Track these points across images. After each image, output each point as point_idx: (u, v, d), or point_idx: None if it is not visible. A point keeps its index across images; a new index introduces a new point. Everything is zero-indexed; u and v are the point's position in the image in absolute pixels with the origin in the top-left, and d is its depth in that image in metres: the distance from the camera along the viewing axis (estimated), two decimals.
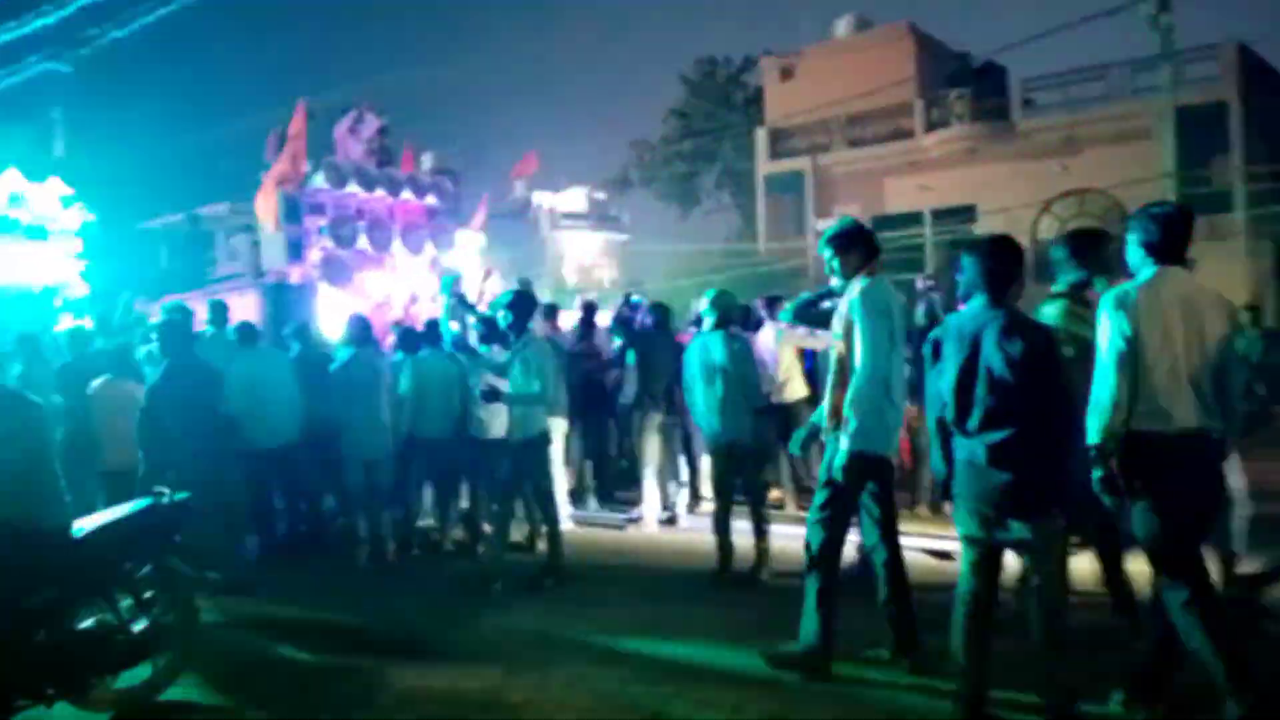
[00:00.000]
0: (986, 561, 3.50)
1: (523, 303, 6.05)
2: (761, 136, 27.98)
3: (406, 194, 11.18)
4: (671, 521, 7.60)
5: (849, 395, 4.02)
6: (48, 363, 7.00)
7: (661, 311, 7.99)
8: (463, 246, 13.56)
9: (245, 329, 6.91)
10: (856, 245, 4.18)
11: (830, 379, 4.23)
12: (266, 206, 10.24)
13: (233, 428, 6.09)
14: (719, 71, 34.04)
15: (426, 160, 41.54)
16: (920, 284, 7.20)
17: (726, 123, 32.36)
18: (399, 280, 11.00)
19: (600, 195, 36.99)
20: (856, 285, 4.13)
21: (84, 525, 3.94)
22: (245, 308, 8.67)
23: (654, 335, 7.79)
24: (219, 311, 7.37)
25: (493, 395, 5.85)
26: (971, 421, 3.42)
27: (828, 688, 4.04)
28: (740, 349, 5.96)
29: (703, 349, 5.96)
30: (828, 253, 4.22)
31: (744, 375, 5.88)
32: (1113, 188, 21.64)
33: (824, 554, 4.17)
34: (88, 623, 3.92)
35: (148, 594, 4.10)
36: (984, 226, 23.09)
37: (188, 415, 5.57)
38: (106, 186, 11.33)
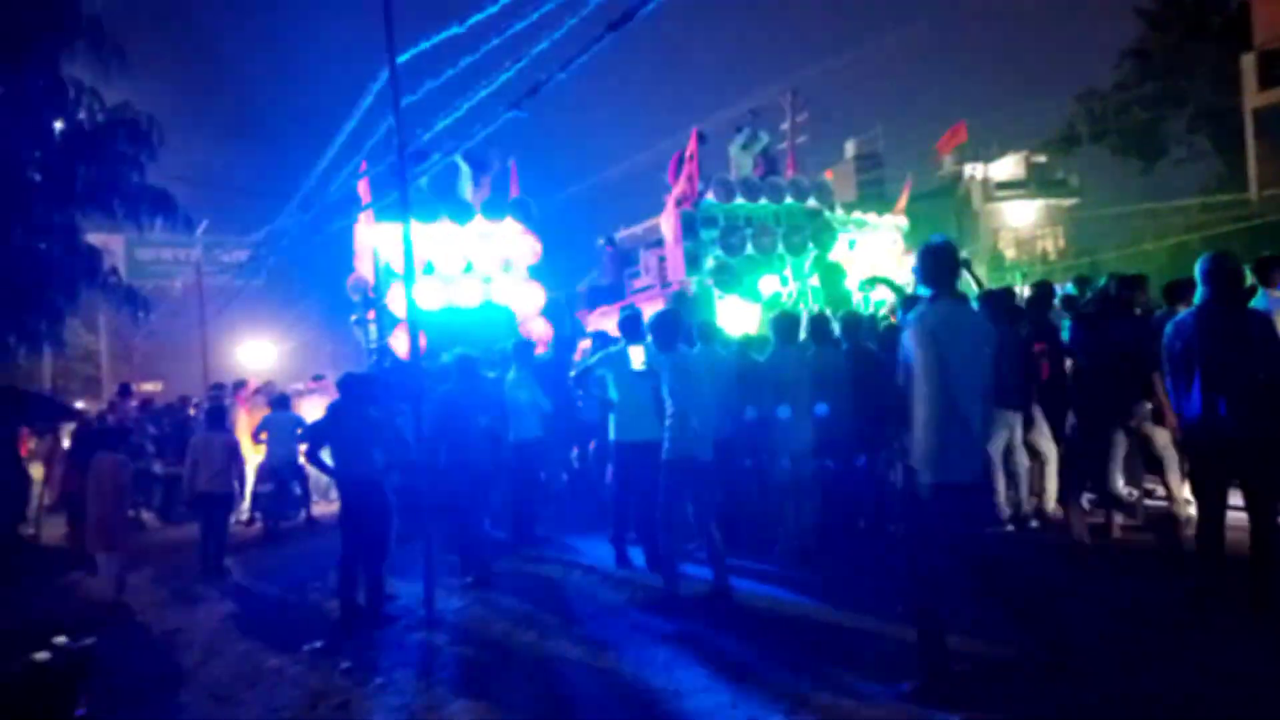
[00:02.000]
0: None
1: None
2: (1249, 62, 23.27)
3: (788, 199, 11.90)
4: None
5: None
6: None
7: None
8: (884, 232, 13.20)
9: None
10: None
11: None
12: (668, 224, 11.44)
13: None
14: None
15: (849, 148, 41.51)
16: None
17: (1198, 55, 27.45)
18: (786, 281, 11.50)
19: (1041, 159, 33.78)
20: None
21: None
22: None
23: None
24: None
25: None
26: None
27: None
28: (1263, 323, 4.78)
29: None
30: None
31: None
32: None
33: None
34: None
35: None
36: None
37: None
38: (546, 219, 13.27)
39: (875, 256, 12.86)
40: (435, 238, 11.70)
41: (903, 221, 13.54)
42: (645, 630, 5.46)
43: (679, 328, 6.14)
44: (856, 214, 13.77)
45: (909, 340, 3.99)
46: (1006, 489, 6.98)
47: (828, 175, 14.11)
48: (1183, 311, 5.15)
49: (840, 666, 4.52)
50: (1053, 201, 33.96)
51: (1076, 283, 8.92)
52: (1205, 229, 21.70)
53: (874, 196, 27.43)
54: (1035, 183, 34.12)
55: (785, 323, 6.99)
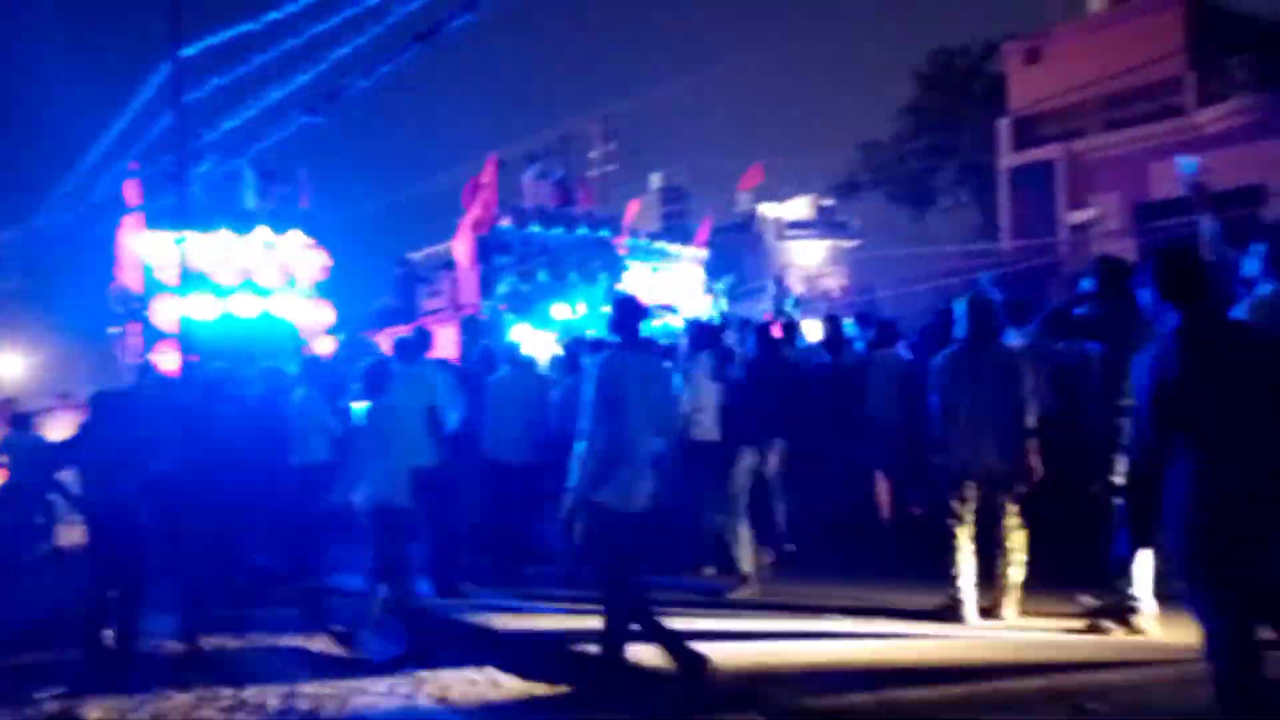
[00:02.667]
0: None
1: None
2: (1005, 126, 26.10)
3: (582, 230, 12.29)
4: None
5: None
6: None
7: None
8: (685, 263, 13.68)
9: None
10: None
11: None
12: (463, 248, 11.51)
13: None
14: (956, 62, 32.18)
15: (654, 180, 42.70)
16: None
17: (964, 116, 30.51)
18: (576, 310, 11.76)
19: (827, 202, 36.15)
20: None
21: None
22: (445, 337, 9.68)
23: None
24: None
25: None
26: None
27: None
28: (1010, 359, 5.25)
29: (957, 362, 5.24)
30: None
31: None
32: None
33: None
34: None
35: None
36: (1275, 210, 20.16)
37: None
38: (338, 234, 12.88)
39: (677, 285, 13.28)
40: (212, 247, 10.92)
41: (703, 253, 14.09)
42: None
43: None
44: (660, 244, 14.19)
45: (585, 380, 4.52)
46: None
47: (634, 205, 14.47)
48: (947, 350, 5.47)
49: None
50: (837, 242, 36.40)
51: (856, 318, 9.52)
52: (964, 274, 23.96)
53: (677, 228, 28.32)
54: (822, 224, 36.45)
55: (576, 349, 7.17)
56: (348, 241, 14.82)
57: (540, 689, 4.80)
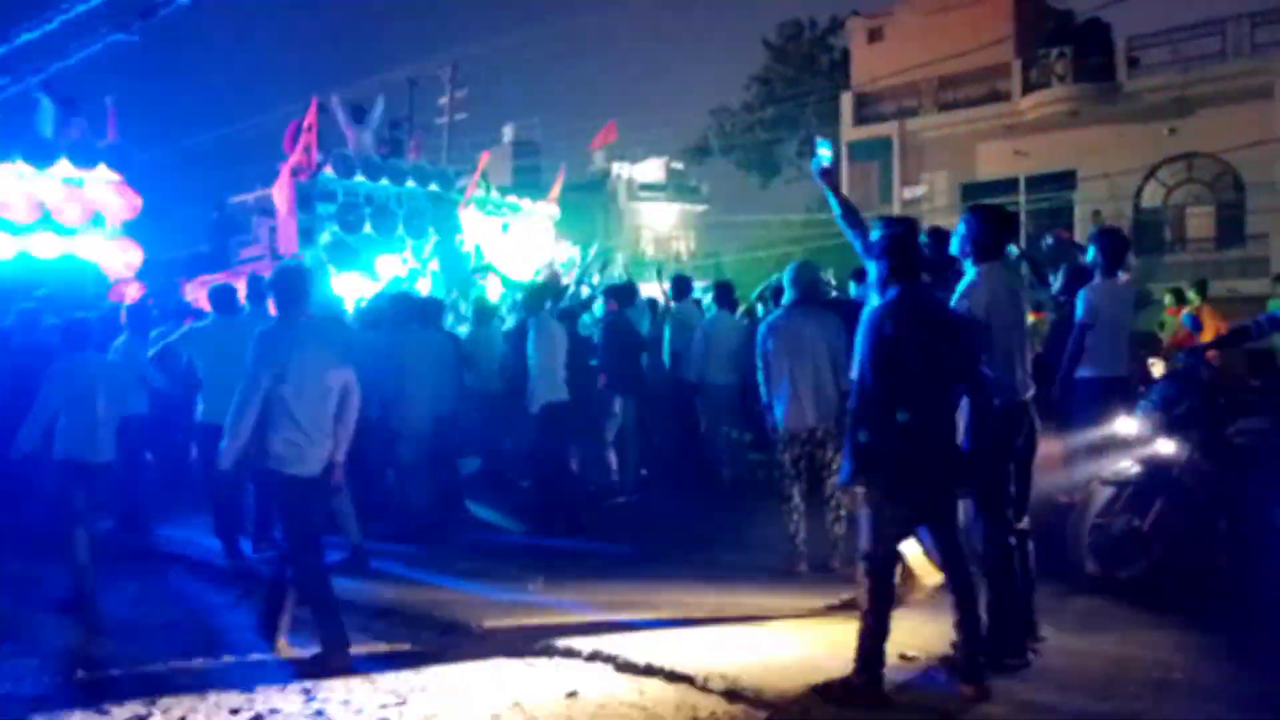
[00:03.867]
0: None
1: None
2: (847, 101, 27.03)
3: (410, 183, 11.78)
4: None
5: None
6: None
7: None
8: (537, 219, 13.42)
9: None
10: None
11: None
12: (282, 194, 10.91)
13: None
14: (804, 35, 32.97)
15: (507, 132, 41.79)
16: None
17: (810, 88, 31.36)
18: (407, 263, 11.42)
19: (678, 165, 36.42)
20: None
21: None
22: None
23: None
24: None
25: None
26: None
27: None
28: (833, 324, 5.47)
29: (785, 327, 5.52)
30: None
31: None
32: (1225, 151, 20.22)
33: None
34: None
35: None
36: (1084, 193, 21.88)
37: None
38: (150, 173, 11.92)
39: (528, 241, 13.02)
40: (4, 179, 9.81)
41: (555, 210, 13.84)
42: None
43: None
44: (511, 198, 13.85)
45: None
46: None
47: (485, 156, 14.00)
48: (774, 312, 5.82)
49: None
50: (687, 206, 36.86)
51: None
52: (806, 242, 24.80)
53: (529, 183, 27.85)
54: (673, 187, 36.80)
55: (404, 304, 7.12)
56: (162, 181, 13.68)
57: None
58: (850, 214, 4.25)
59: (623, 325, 7.84)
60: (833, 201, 4.39)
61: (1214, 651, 4.16)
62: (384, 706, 3.89)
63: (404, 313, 7.01)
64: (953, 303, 3.87)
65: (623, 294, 8.13)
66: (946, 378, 3.61)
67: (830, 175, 4.51)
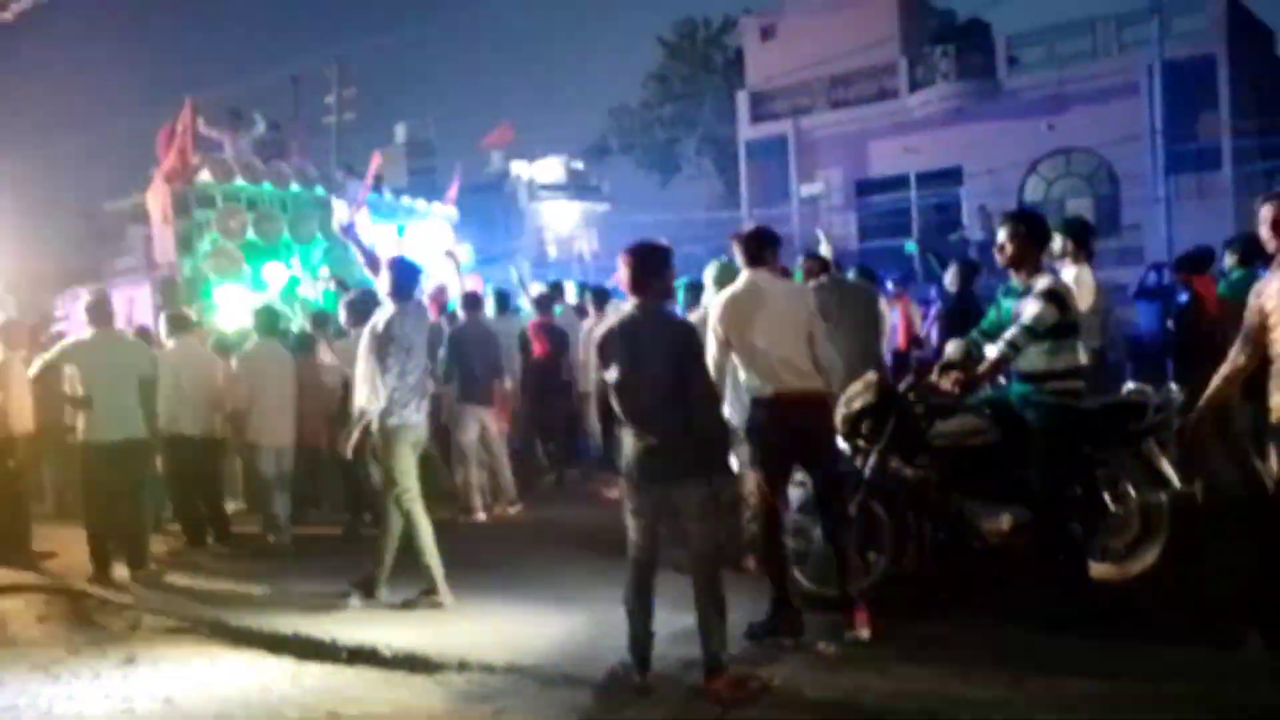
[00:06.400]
0: None
1: None
2: (742, 100, 27.35)
3: (293, 187, 11.22)
4: None
5: None
6: None
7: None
8: (434, 221, 13.10)
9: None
10: None
11: None
12: (156, 201, 10.42)
13: None
14: (698, 33, 33.23)
15: (400, 132, 40.84)
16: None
17: (707, 86, 31.65)
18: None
19: (578, 164, 36.30)
20: None
21: None
22: (140, 300, 8.92)
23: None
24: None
25: None
26: None
27: None
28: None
29: None
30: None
31: None
32: (1100, 146, 21.30)
33: None
34: None
35: None
36: (970, 189, 22.71)
37: None
38: (12, 178, 11.26)
39: (425, 244, 12.69)
40: None
41: (452, 212, 13.53)
42: None
43: None
44: (406, 200, 13.48)
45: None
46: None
47: (377, 157, 13.59)
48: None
49: None
50: (589, 205, 36.80)
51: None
52: (708, 240, 25.03)
53: (425, 184, 27.30)
54: (574, 187, 36.68)
55: (265, 316, 7.34)
56: (24, 188, 12.80)
57: None
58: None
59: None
60: None
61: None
62: None
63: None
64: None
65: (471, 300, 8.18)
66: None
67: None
